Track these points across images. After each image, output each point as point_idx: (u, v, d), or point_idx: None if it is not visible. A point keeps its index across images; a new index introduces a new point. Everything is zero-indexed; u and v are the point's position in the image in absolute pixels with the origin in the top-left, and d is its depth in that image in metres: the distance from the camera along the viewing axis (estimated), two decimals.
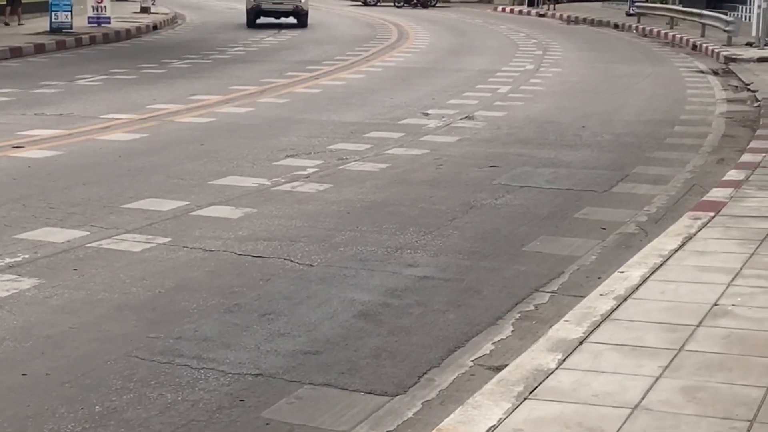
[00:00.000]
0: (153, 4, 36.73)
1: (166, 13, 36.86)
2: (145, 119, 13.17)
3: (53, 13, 26.19)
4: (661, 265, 6.01)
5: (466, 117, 13.94)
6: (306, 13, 32.69)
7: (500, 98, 16.01)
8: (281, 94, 16.09)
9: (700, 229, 6.91)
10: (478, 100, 15.67)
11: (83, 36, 25.77)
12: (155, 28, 31.53)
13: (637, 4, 36.55)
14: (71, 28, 26.30)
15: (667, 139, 12.38)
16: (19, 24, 28.02)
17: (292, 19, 32.49)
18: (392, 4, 48.41)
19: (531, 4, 46.99)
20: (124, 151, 10.89)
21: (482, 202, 8.74)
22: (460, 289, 6.30)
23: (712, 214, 7.39)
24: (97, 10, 29.09)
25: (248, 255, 6.95)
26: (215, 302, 5.96)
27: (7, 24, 28.48)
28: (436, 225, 7.89)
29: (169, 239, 7.31)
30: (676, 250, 6.34)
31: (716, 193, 8.29)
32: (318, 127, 12.70)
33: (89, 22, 28.77)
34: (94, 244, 7.16)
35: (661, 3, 37.19)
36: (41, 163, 10.19)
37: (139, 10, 36.24)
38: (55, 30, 26.01)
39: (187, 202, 8.46)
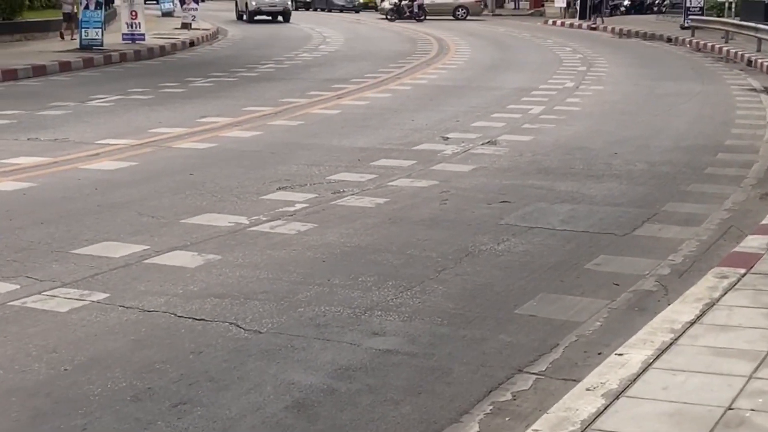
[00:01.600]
0: (194, 20, 36.08)
1: (207, 29, 36.24)
2: (141, 145, 12.27)
3: (83, 30, 25.61)
4: (671, 344, 4.88)
5: (488, 142, 12.84)
6: (290, 12, 45.77)
7: (530, 120, 14.88)
8: (296, 116, 15.12)
9: (726, 293, 5.75)
10: (505, 123, 14.56)
11: (113, 53, 25.10)
12: (192, 44, 30.82)
13: (691, 17, 35.13)
14: (102, 46, 25.66)
15: (707, 168, 11.17)
16: (71, 39, 27.82)
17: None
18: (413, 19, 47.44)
19: (583, 17, 45.64)
20: (103, 182, 9.97)
21: (481, 247, 7.65)
22: (426, 369, 5.22)
23: (743, 271, 6.22)
24: (132, 27, 28.46)
25: (189, 317, 5.94)
26: (125, 385, 4.95)
27: (63, 38, 28.25)
28: (420, 278, 6.83)
29: (107, 295, 6.34)
30: (692, 323, 5.20)
31: (751, 242, 7.10)
32: (324, 154, 11.70)
33: (123, 39, 28.16)
34: (17, 302, 6.20)
35: (717, 15, 35.74)
36: (6, 197, 9.30)
37: (180, 26, 35.68)
38: (85, 47, 25.40)
39: (147, 247, 7.49)
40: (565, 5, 49.69)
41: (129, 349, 5.44)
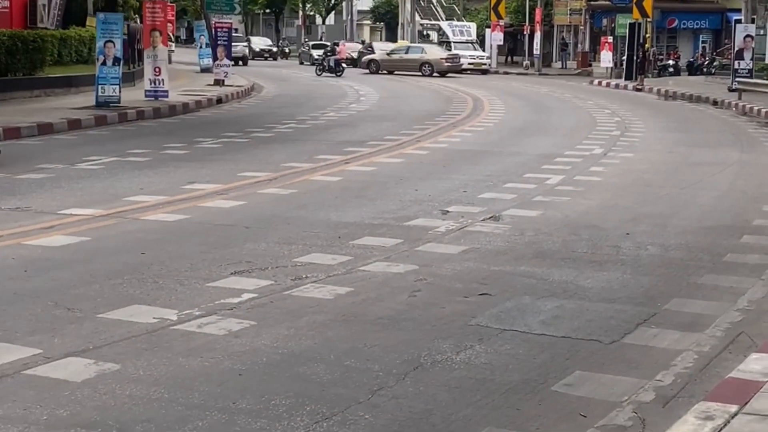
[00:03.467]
0: (226, 76, 35.45)
1: (241, 86, 35.57)
2: (106, 216, 11.27)
3: (100, 87, 24.87)
4: None
5: (490, 217, 11.67)
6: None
7: (545, 192, 13.69)
8: (292, 183, 14.07)
9: None
10: (516, 194, 13.38)
11: (129, 111, 24.35)
12: (219, 101, 30.10)
13: (738, 79, 33.78)
14: (119, 102, 24.95)
15: (727, 255, 9.89)
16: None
17: None
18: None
19: (629, 77, 44.46)
20: (38, 262, 8.94)
21: (437, 356, 6.46)
22: None
23: (734, 409, 4.96)
24: (155, 84, 27.78)
25: None
26: None
27: None
28: (347, 401, 5.65)
29: None
30: None
31: (753, 364, 5.83)
32: (302, 230, 10.60)
33: (146, 96, 27.51)
34: None
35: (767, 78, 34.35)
36: None
37: (213, 83, 35.08)
38: (101, 105, 24.67)
39: (39, 351, 6.37)
40: (611, 65, 48.62)
41: None
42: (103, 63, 24.91)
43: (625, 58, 45.33)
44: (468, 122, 24.77)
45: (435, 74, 49.41)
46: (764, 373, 5.56)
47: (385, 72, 50.52)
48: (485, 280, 8.60)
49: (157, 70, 27.74)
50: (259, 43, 72.51)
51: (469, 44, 58.40)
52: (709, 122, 26.13)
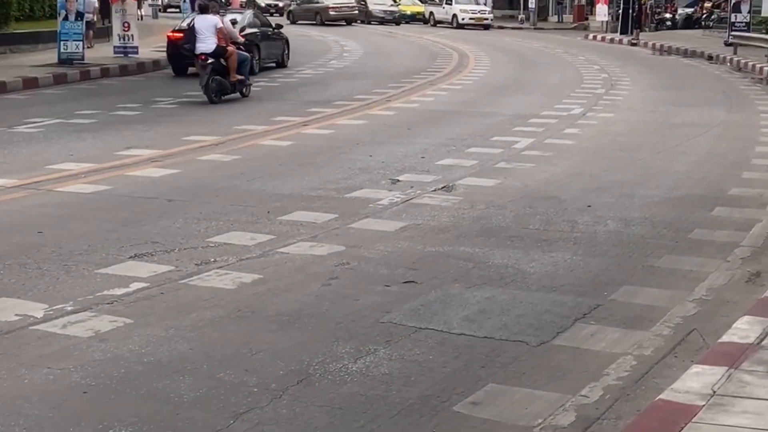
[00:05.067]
0: None
1: None
2: (18, 187, 10.30)
3: (62, 43, 23.76)
4: None
5: (443, 187, 10.68)
6: None
7: (509, 157, 12.68)
8: (238, 148, 13.06)
9: None
10: (478, 160, 12.39)
11: (93, 68, 23.27)
12: None
13: (734, 33, 32.55)
14: (83, 60, 23.87)
15: (694, 230, 8.91)
16: (88, 47, 26.41)
17: None
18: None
19: (624, 31, 43.17)
20: None
21: (329, 365, 5.51)
22: None
23: None
24: (124, 39, 26.69)
25: None
26: None
27: (89, 47, 26.97)
28: (199, 430, 4.71)
29: None
30: None
31: (690, 382, 4.85)
32: (229, 204, 9.63)
33: (115, 53, 26.44)
34: None
35: (766, 32, 33.09)
36: None
37: None
38: (64, 61, 23.59)
39: None
40: (607, 19, 47.28)
41: None
42: (65, 18, 23.83)
43: (621, 11, 44.02)
44: (447, 80, 23.68)
45: (326, 23, 49.42)
46: (701, 394, 4.61)
47: (299, 22, 50.15)
48: (415, 264, 7.63)
49: (126, 25, 26.64)
50: None
51: None
52: (700, 79, 25.02)
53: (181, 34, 21.09)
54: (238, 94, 18.51)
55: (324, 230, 8.69)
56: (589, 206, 9.80)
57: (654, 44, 37.50)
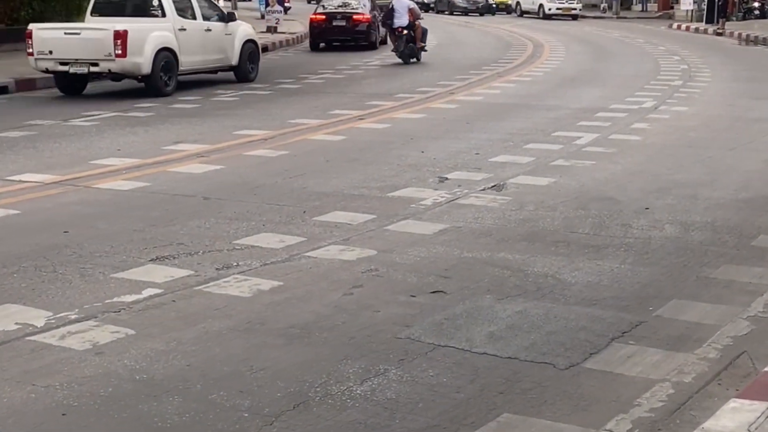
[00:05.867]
0: (278, 22, 34.11)
1: (294, 33, 34.27)
2: (56, 183, 10.09)
3: None
4: None
5: (492, 186, 10.17)
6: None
7: (569, 154, 12.09)
8: (287, 143, 12.71)
9: None
10: (535, 157, 11.83)
11: None
12: (265, 50, 28.66)
13: None
14: None
15: (759, 236, 8.26)
16: None
17: None
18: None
19: (710, 20, 41.92)
20: None
21: (333, 387, 5.06)
22: None
23: None
24: None
25: None
26: None
27: None
28: None
29: None
30: None
31: (725, 420, 4.30)
32: (265, 203, 9.25)
33: None
34: None
35: None
36: None
37: (265, 30, 33.77)
38: None
39: None
40: (692, 8, 45.99)
41: None
42: None
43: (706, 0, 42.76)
44: (517, 71, 23.06)
45: None
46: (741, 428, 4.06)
47: None
48: (448, 272, 7.15)
49: None
50: None
51: None
52: None
53: (323, 17, 29.77)
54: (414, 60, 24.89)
55: (358, 232, 8.25)
56: (647, 208, 9.19)
57: (740, 34, 36.31)
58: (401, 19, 24.68)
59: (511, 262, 7.43)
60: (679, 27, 43.80)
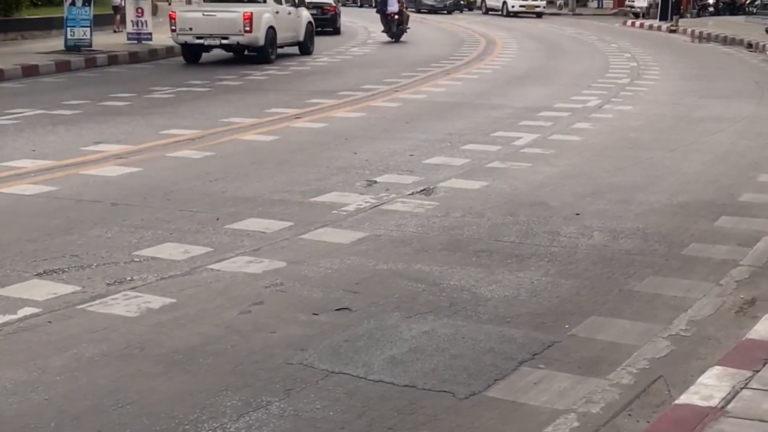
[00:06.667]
0: None
1: None
2: None
3: (69, 29, 23.09)
4: None
5: (422, 190, 9.72)
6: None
7: (506, 156, 11.67)
8: (215, 144, 12.17)
9: None
10: (470, 159, 11.40)
11: (99, 56, 22.53)
12: None
13: None
14: (90, 46, 23.13)
15: (690, 245, 7.87)
16: (115, 32, 28.17)
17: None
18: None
19: (664, 17, 41.74)
20: None
21: (201, 427, 4.56)
22: None
23: None
24: (137, 26, 25.98)
25: None
26: None
27: (116, 31, 28.06)
28: None
29: None
30: None
31: None
32: (177, 209, 8.73)
33: (128, 39, 25.76)
34: None
35: None
36: None
37: None
38: (71, 48, 22.90)
39: None
40: (645, 4, 45.84)
41: None
42: (72, 3, 23.10)
43: None
44: (465, 69, 22.64)
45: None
46: None
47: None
48: (358, 286, 6.68)
49: (139, 11, 25.97)
50: None
51: None
52: (735, 68, 23.74)
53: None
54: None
55: (270, 242, 7.76)
56: (578, 214, 8.79)
57: (693, 31, 36.14)
58: (393, 7, 30.13)
59: (427, 274, 6.97)
60: (633, 24, 43.61)
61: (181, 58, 23.43)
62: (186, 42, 22.48)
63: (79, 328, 5.76)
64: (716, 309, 6.33)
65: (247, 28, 22.07)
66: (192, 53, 22.95)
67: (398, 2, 30.13)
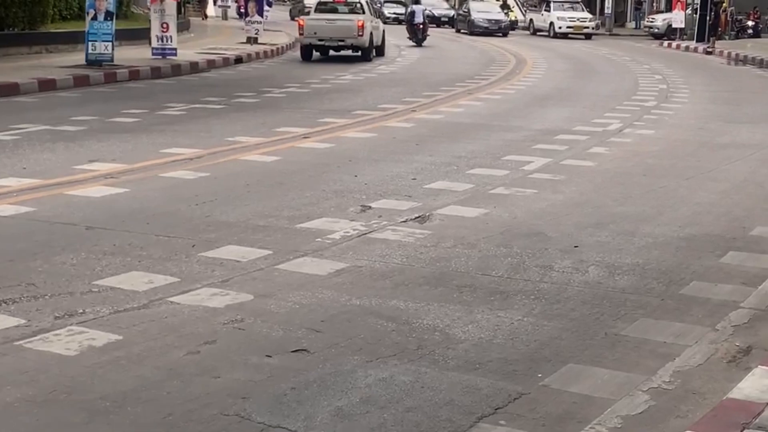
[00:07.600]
0: (257, 34, 33.20)
1: (275, 44, 33.31)
2: None
3: (90, 44, 22.84)
4: None
5: (417, 218, 9.25)
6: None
7: (512, 181, 11.18)
8: (214, 164, 11.78)
9: None
10: (474, 184, 10.92)
11: (120, 71, 22.30)
12: (238, 61, 27.90)
13: None
14: (112, 61, 22.92)
15: (690, 283, 7.34)
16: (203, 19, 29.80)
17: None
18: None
19: (701, 39, 41.00)
20: None
21: None
22: None
23: None
24: (162, 41, 25.80)
25: None
26: None
27: (205, 17, 30.20)
28: None
29: None
30: None
31: None
32: (154, 234, 8.33)
33: (153, 54, 25.56)
34: None
35: None
36: None
37: (245, 40, 32.94)
38: (92, 63, 22.68)
39: None
40: (682, 26, 45.04)
41: None
42: (94, 17, 22.90)
43: (697, 17, 41.86)
44: (489, 88, 22.17)
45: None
46: None
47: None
48: (324, 324, 6.23)
49: (164, 26, 25.80)
50: None
51: (570, 4, 48.94)
52: (767, 92, 23.08)
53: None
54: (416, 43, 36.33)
55: (243, 272, 7.33)
56: (576, 246, 8.28)
57: (729, 53, 35.44)
58: (419, 18, 37.42)
59: (400, 312, 6.51)
60: (669, 45, 42.93)
61: (208, 74, 23.23)
62: (310, 43, 28.72)
63: (8, 368, 5.36)
64: (707, 358, 5.80)
65: (360, 33, 28.59)
66: (309, 53, 29.12)
67: (422, 15, 37.93)
